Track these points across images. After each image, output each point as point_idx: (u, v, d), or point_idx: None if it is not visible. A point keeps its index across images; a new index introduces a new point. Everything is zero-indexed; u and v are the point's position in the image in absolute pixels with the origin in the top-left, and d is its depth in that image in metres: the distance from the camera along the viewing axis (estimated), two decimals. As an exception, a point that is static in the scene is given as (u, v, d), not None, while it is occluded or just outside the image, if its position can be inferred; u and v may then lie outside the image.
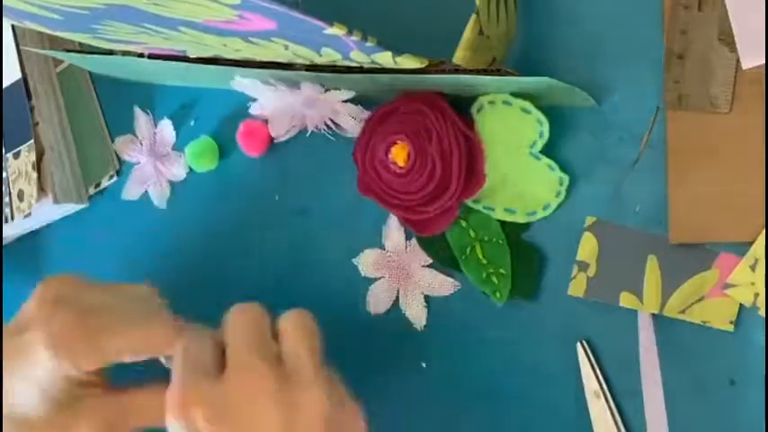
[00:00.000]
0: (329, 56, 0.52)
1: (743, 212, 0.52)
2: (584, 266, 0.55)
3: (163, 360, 0.55)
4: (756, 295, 0.51)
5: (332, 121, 0.61)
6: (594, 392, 0.54)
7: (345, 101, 0.60)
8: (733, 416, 0.52)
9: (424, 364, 0.59)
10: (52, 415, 0.54)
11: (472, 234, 0.58)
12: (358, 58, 0.51)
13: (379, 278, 0.61)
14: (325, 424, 0.49)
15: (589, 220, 0.55)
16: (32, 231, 0.74)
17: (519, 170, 0.56)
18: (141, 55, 0.61)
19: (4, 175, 0.71)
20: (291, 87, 0.61)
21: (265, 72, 0.59)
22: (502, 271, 0.57)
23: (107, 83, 0.71)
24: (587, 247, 0.55)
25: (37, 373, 0.54)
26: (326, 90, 0.60)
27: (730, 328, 0.52)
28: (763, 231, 0.51)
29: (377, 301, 0.61)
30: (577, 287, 0.55)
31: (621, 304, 0.54)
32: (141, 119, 0.69)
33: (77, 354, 0.53)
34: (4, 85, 0.72)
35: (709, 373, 0.53)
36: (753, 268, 0.51)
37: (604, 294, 0.55)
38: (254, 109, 0.64)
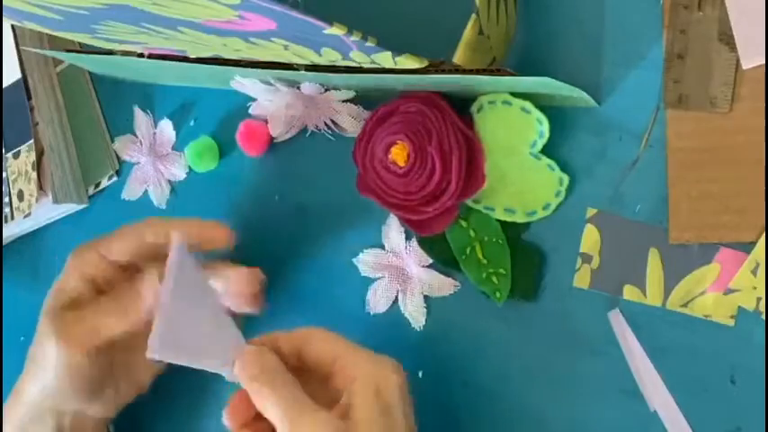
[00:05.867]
0: (329, 56, 0.52)
1: (743, 212, 0.52)
2: (587, 258, 0.55)
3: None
4: (759, 299, 0.51)
5: (332, 121, 0.61)
6: None
7: (345, 101, 0.60)
8: (733, 414, 0.52)
9: (420, 373, 0.59)
10: None
11: (472, 234, 0.58)
12: (358, 58, 0.51)
13: (379, 278, 0.61)
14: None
15: (590, 212, 0.55)
16: (32, 231, 0.74)
17: (519, 170, 0.56)
18: (141, 55, 0.61)
19: (4, 175, 0.71)
20: (291, 87, 0.61)
21: (265, 72, 0.59)
22: (502, 271, 0.57)
23: (107, 83, 0.71)
24: (590, 240, 0.55)
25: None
26: (326, 90, 0.60)
27: (731, 322, 0.52)
28: (764, 235, 0.51)
29: (376, 300, 0.61)
30: (582, 279, 0.55)
31: (625, 297, 0.54)
32: (141, 119, 0.69)
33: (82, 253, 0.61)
34: (4, 85, 0.72)
35: (710, 371, 0.53)
36: (754, 273, 0.51)
37: (608, 287, 0.55)
38: (254, 109, 0.64)
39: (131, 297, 0.58)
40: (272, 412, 0.51)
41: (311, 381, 0.54)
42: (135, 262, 0.61)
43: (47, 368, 0.59)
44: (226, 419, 0.54)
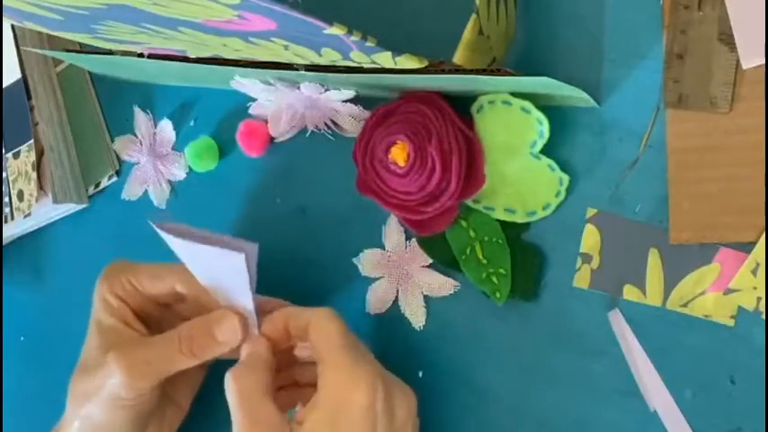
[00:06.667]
0: (329, 56, 0.52)
1: (743, 213, 0.52)
2: (587, 258, 0.55)
3: None
4: (759, 299, 0.51)
5: (332, 121, 0.61)
6: None
7: (345, 101, 0.60)
8: (733, 414, 0.52)
9: (420, 373, 0.59)
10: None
11: (472, 234, 0.58)
12: (358, 58, 0.51)
13: (379, 278, 0.61)
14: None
15: (590, 212, 0.55)
16: (32, 231, 0.74)
17: (519, 170, 0.56)
18: (141, 55, 0.61)
19: (4, 175, 0.71)
20: (291, 87, 0.61)
21: (265, 72, 0.59)
22: (502, 271, 0.57)
23: (107, 83, 0.71)
24: (590, 240, 0.55)
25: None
26: (326, 90, 0.60)
27: (731, 322, 0.52)
28: (764, 236, 0.51)
29: (376, 300, 0.61)
30: (582, 279, 0.55)
31: (625, 297, 0.54)
32: (141, 119, 0.69)
33: (110, 277, 0.60)
34: (4, 85, 0.72)
35: (710, 371, 0.53)
36: (754, 273, 0.51)
37: (608, 287, 0.55)
38: (253, 109, 0.64)
39: (204, 337, 0.57)
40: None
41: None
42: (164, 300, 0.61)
43: (102, 401, 0.57)
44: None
